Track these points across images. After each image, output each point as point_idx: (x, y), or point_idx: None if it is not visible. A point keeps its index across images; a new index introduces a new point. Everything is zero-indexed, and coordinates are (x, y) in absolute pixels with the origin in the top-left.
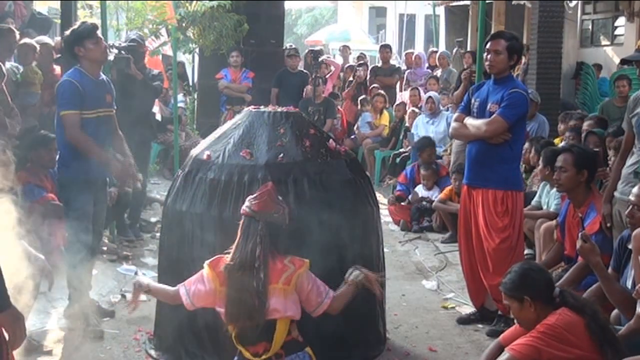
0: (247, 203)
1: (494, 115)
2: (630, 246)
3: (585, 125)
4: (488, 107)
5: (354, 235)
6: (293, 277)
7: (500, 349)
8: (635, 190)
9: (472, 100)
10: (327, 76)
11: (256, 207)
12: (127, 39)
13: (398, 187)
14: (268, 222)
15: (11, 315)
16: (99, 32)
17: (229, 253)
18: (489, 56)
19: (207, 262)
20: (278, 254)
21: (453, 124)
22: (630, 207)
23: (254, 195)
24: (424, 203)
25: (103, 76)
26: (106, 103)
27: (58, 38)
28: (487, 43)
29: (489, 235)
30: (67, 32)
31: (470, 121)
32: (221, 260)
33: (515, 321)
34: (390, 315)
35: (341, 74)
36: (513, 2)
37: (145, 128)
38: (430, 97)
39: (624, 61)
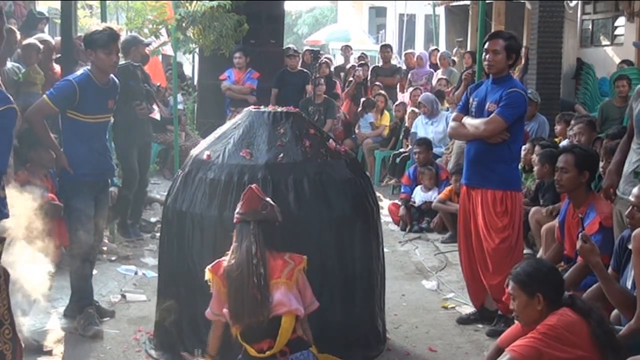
0: (236, 211)
1: (492, 115)
2: (630, 246)
3: (576, 128)
4: (486, 106)
5: (354, 235)
6: (295, 272)
7: (498, 352)
8: (635, 191)
9: (471, 100)
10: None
11: (242, 208)
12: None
13: (402, 189)
14: (259, 221)
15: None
16: (115, 43)
17: (227, 256)
18: (487, 56)
19: (208, 267)
20: (277, 252)
21: (451, 124)
22: (630, 207)
23: (240, 202)
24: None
25: (111, 79)
26: (107, 109)
27: (58, 38)
28: (485, 43)
29: (488, 236)
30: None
31: (468, 121)
32: (221, 263)
33: (515, 320)
34: (390, 315)
35: (342, 74)
36: (513, 1)
37: (144, 129)
38: (420, 102)
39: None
